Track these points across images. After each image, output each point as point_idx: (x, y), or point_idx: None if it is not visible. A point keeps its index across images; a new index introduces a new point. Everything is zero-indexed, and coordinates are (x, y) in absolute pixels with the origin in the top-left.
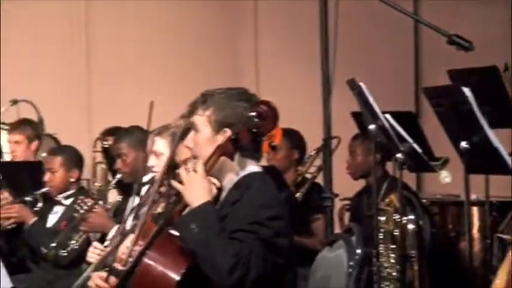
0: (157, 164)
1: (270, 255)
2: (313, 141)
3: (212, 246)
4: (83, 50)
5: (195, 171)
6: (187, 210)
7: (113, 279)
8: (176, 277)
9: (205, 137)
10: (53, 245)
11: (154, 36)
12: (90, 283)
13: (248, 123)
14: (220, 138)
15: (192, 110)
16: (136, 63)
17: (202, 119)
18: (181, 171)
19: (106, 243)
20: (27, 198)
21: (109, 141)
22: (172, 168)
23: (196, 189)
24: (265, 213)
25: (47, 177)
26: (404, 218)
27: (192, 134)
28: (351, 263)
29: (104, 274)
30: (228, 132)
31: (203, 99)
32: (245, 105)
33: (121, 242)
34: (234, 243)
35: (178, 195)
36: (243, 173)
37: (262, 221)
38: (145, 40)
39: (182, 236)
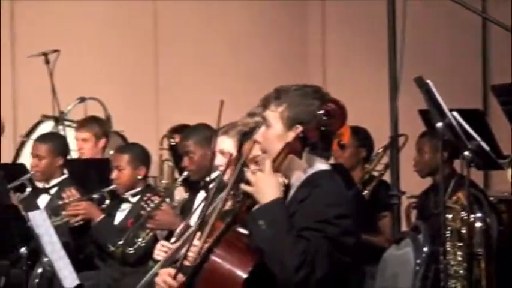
0: (224, 162)
1: (337, 254)
2: (381, 139)
3: (280, 244)
4: (152, 49)
5: (261, 171)
6: (255, 208)
7: (180, 277)
8: (243, 275)
9: (276, 133)
10: (120, 242)
11: (222, 37)
12: (158, 279)
13: (317, 122)
14: (291, 135)
15: (265, 105)
16: (204, 63)
17: (274, 115)
18: (248, 173)
19: (172, 240)
20: (95, 196)
21: (176, 139)
22: (239, 167)
23: (265, 188)
24: (333, 212)
25: (114, 174)
26: (472, 215)
27: (262, 128)
28: (418, 261)
29: (172, 271)
30: (299, 130)
31: (276, 94)
32: (318, 104)
33: (188, 239)
34: (301, 242)
35: (245, 193)
36: (311, 171)
37: (329, 219)
38: (214, 40)
39: (251, 232)
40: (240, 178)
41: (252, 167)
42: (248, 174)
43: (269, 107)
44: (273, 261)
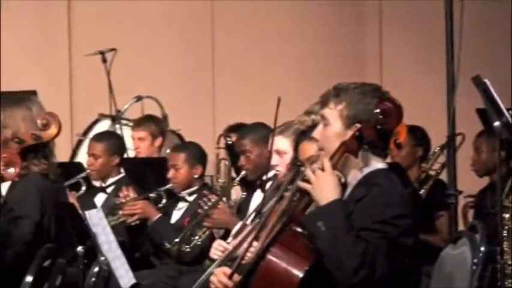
0: (280, 162)
1: (395, 254)
2: (438, 138)
3: (339, 245)
4: (209, 48)
5: (322, 169)
6: (312, 207)
7: (236, 276)
8: (299, 274)
9: (335, 131)
10: (177, 240)
11: (278, 36)
12: (213, 279)
13: (373, 120)
14: (350, 134)
15: (323, 102)
16: (260, 62)
17: (333, 113)
18: (307, 171)
19: (229, 239)
20: (151, 195)
21: (233, 138)
22: (296, 166)
23: (325, 188)
24: (391, 212)
25: (170, 173)
26: None
27: (320, 126)
28: (475, 261)
29: (227, 270)
30: (356, 128)
31: (336, 92)
32: (377, 102)
33: (245, 239)
34: (360, 243)
35: (302, 192)
36: (367, 170)
37: (388, 219)
38: (270, 40)
39: (309, 233)
40: (297, 177)
41: (310, 165)
42: (308, 172)
43: (328, 104)
44: (332, 262)
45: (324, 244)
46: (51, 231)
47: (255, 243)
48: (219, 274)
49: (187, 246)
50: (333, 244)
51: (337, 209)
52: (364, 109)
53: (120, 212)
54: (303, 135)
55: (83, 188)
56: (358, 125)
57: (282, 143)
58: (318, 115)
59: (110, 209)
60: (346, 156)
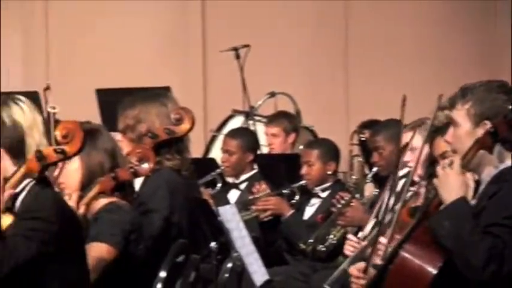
0: (412, 158)
1: None
2: None
3: (464, 243)
4: (342, 46)
5: (451, 167)
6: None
7: (371, 272)
8: (433, 271)
9: (465, 131)
10: (311, 240)
11: (412, 34)
12: (352, 271)
13: (508, 116)
14: (480, 132)
15: (451, 105)
16: (393, 59)
17: (461, 113)
18: (438, 167)
19: (360, 235)
20: (285, 191)
21: (366, 134)
22: (430, 163)
23: (450, 186)
24: None
25: (304, 170)
26: None
27: (451, 129)
28: None
29: (362, 265)
30: (487, 125)
31: (462, 93)
32: (504, 98)
33: (378, 236)
34: (487, 238)
35: (436, 188)
36: (502, 166)
37: None
38: (403, 38)
39: (435, 233)
40: (431, 174)
41: (442, 162)
42: (438, 169)
43: (455, 106)
44: (459, 259)
45: (449, 242)
46: (183, 227)
47: (384, 240)
48: (355, 270)
49: (322, 246)
50: (458, 242)
51: (462, 207)
52: (491, 105)
53: (253, 207)
54: (437, 131)
55: (218, 185)
56: (487, 122)
57: (415, 139)
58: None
59: (243, 205)
60: (481, 154)
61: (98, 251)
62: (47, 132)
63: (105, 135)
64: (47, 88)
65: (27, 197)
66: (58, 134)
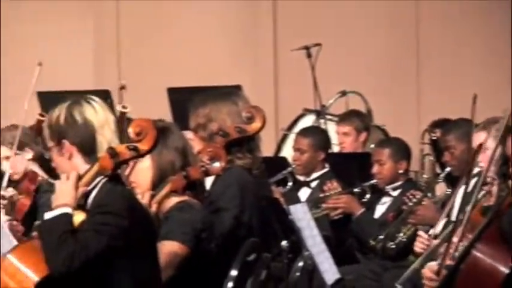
0: (483, 158)
1: None
2: None
3: None
4: (414, 44)
5: None
6: None
7: (443, 272)
8: (505, 270)
9: None
10: (381, 237)
11: (480, 33)
12: (425, 272)
13: None
14: None
15: None
16: (465, 58)
17: None
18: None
19: (430, 232)
20: (356, 190)
21: (437, 134)
22: (503, 162)
23: None
24: None
25: (375, 169)
26: None
27: None
28: None
29: (435, 266)
30: None
31: None
32: None
33: (451, 236)
34: None
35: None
36: None
37: None
38: (473, 38)
39: (500, 232)
40: (503, 173)
41: None
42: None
43: None
44: None
45: None
46: (253, 225)
47: (455, 239)
48: (427, 272)
49: (392, 243)
50: None
51: None
52: None
53: (324, 205)
54: (511, 130)
55: (289, 184)
56: None
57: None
58: None
59: (314, 203)
60: None
61: (170, 248)
62: (119, 132)
63: (176, 133)
64: (122, 87)
65: (99, 194)
66: (131, 131)
